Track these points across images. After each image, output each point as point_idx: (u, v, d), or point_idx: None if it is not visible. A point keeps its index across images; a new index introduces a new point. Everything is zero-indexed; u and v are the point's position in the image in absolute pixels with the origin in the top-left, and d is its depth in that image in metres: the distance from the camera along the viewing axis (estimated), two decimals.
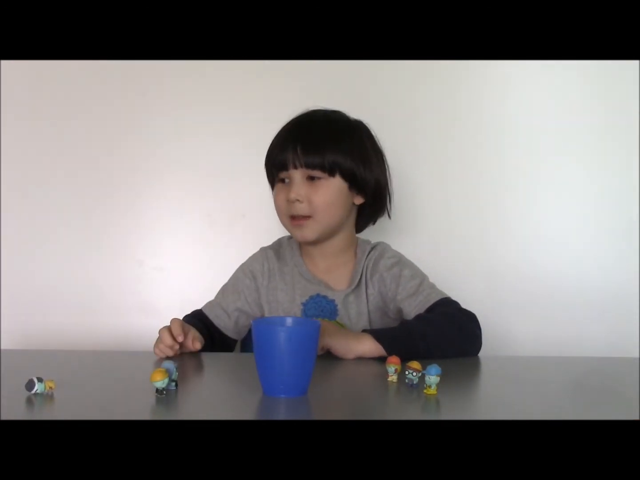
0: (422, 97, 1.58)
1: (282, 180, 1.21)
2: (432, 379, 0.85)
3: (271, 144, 1.23)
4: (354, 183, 1.21)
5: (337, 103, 1.26)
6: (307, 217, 1.19)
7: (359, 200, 1.24)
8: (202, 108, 1.57)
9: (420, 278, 1.21)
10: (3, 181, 1.55)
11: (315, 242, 1.23)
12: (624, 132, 1.56)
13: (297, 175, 1.18)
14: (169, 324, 1.11)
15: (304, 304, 1.22)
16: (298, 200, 1.17)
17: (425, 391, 0.85)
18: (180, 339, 1.02)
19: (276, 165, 1.20)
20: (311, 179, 1.18)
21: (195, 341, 1.05)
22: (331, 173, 1.18)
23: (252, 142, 1.54)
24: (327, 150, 1.17)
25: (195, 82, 1.56)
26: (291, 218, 1.20)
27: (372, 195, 1.24)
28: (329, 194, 1.19)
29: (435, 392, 0.84)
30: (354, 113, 1.26)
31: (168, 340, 1.02)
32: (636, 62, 1.49)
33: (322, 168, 1.17)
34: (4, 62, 1.51)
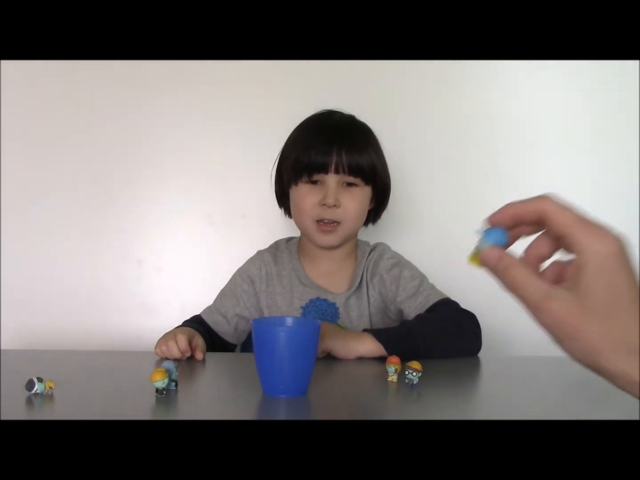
0: (421, 97, 1.58)
1: (312, 182, 1.18)
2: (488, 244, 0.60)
3: (301, 144, 1.19)
4: (378, 191, 1.22)
5: (337, 103, 1.26)
6: (336, 223, 1.17)
7: (370, 206, 1.24)
8: (202, 108, 1.57)
9: (420, 279, 1.21)
10: (3, 181, 1.55)
11: (334, 248, 1.22)
12: (623, 132, 1.57)
13: (333, 180, 1.16)
14: (171, 326, 1.11)
15: (303, 308, 1.22)
16: (335, 205, 1.16)
17: (471, 258, 0.62)
18: (187, 354, 1.02)
19: (313, 166, 1.16)
20: (347, 184, 1.17)
21: (197, 351, 1.04)
22: (368, 181, 1.18)
23: (252, 143, 1.55)
24: (367, 158, 1.17)
25: (195, 82, 1.56)
26: (318, 222, 1.18)
27: (385, 201, 1.26)
28: (363, 202, 1.19)
29: (478, 261, 0.61)
30: (355, 113, 1.26)
31: (177, 354, 1.01)
32: (636, 62, 1.50)
33: (363, 175, 1.17)
34: (4, 62, 1.51)
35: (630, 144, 1.56)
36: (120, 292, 1.59)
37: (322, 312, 1.21)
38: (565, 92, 1.58)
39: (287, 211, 1.29)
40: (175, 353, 1.01)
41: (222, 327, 1.24)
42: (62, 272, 1.58)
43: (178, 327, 1.13)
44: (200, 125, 1.58)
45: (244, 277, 1.26)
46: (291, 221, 1.31)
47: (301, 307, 1.22)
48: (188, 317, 1.26)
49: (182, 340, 1.02)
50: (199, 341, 1.07)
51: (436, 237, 1.60)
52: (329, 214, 1.16)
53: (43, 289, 1.58)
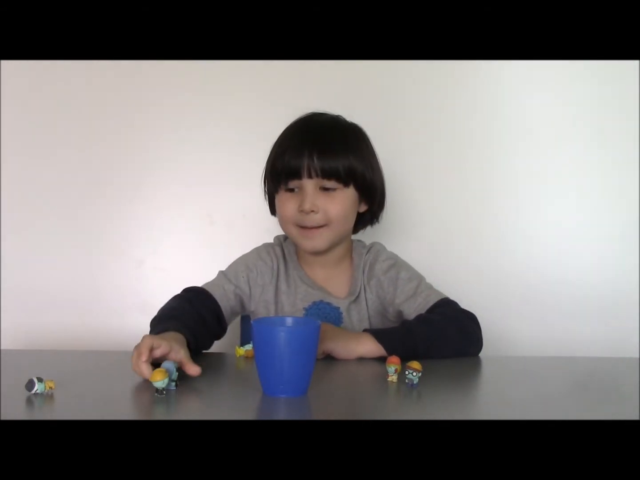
0: (420, 97, 1.58)
1: (290, 189, 1.16)
2: None
3: (277, 150, 1.18)
4: (364, 193, 1.19)
5: (336, 103, 1.26)
6: (320, 226, 1.15)
7: (362, 208, 1.22)
8: (202, 108, 1.57)
9: (418, 279, 1.21)
10: (3, 181, 1.55)
11: (322, 252, 1.20)
12: (623, 133, 1.57)
13: (310, 184, 1.14)
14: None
15: (306, 309, 1.20)
16: (313, 211, 1.14)
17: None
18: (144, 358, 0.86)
19: (287, 173, 1.14)
20: (324, 189, 1.14)
21: (190, 365, 0.90)
22: (346, 183, 1.15)
23: (252, 142, 1.54)
24: (343, 161, 1.14)
25: (196, 82, 1.57)
26: (300, 227, 1.16)
27: (376, 203, 1.23)
28: (344, 205, 1.16)
29: None
30: (352, 113, 1.26)
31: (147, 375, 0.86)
32: (636, 62, 1.50)
33: (338, 179, 1.14)
34: (4, 62, 1.51)
35: (630, 143, 1.56)
36: (121, 292, 1.59)
37: (325, 315, 1.20)
38: (565, 92, 1.58)
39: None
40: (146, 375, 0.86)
41: (225, 300, 1.18)
42: (62, 272, 1.58)
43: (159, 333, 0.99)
44: (201, 125, 1.57)
45: (256, 264, 1.22)
46: None
47: (304, 308, 1.21)
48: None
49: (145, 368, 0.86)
50: (185, 354, 0.92)
51: (436, 238, 1.60)
52: (308, 221, 1.14)
53: (43, 289, 1.58)
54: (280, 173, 1.15)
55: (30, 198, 1.58)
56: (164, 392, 0.81)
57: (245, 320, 1.37)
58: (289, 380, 0.82)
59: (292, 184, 1.15)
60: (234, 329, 1.42)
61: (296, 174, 1.13)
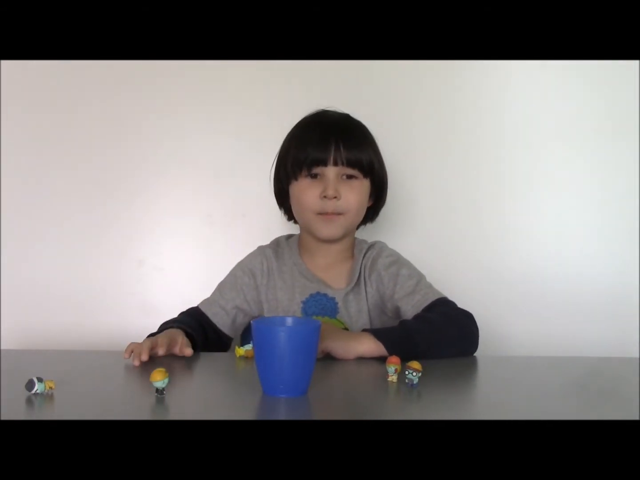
0: (420, 97, 1.58)
1: (311, 176, 1.19)
2: None
3: (299, 140, 1.21)
4: (376, 187, 1.24)
5: (337, 103, 1.26)
6: (339, 213, 1.19)
7: (369, 203, 1.26)
8: (203, 108, 1.57)
9: (418, 277, 1.22)
10: (3, 181, 1.55)
11: (335, 240, 1.23)
12: (623, 132, 1.56)
13: (332, 172, 1.18)
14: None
15: (303, 302, 1.23)
16: (335, 197, 1.17)
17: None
18: (144, 357, 0.96)
19: (311, 160, 1.17)
20: (347, 177, 1.19)
21: (184, 348, 1.03)
22: (366, 174, 1.20)
23: (252, 142, 1.55)
24: (365, 154, 1.19)
25: (196, 82, 1.56)
26: (320, 214, 1.19)
27: (382, 199, 1.27)
28: (362, 194, 1.21)
29: None
30: (352, 112, 1.27)
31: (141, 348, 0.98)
32: (636, 62, 1.49)
33: (361, 167, 1.19)
34: (4, 62, 1.51)
35: (630, 144, 1.56)
36: (121, 292, 1.59)
37: (322, 306, 1.22)
38: (565, 92, 1.58)
39: (287, 212, 1.29)
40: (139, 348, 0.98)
41: (221, 319, 1.24)
42: (62, 272, 1.58)
43: (166, 329, 1.11)
44: (201, 125, 1.57)
45: (245, 270, 1.27)
46: (291, 221, 1.31)
47: (302, 301, 1.23)
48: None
49: (146, 344, 1.00)
50: (184, 341, 1.05)
51: (434, 236, 1.60)
52: (330, 207, 1.18)
53: (43, 289, 1.58)
54: (305, 160, 1.18)
55: (30, 198, 1.58)
56: (164, 392, 0.81)
57: None
58: (289, 380, 0.82)
59: (316, 170, 1.18)
60: None
61: (322, 162, 1.17)
